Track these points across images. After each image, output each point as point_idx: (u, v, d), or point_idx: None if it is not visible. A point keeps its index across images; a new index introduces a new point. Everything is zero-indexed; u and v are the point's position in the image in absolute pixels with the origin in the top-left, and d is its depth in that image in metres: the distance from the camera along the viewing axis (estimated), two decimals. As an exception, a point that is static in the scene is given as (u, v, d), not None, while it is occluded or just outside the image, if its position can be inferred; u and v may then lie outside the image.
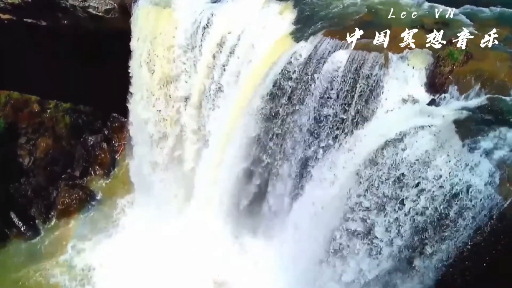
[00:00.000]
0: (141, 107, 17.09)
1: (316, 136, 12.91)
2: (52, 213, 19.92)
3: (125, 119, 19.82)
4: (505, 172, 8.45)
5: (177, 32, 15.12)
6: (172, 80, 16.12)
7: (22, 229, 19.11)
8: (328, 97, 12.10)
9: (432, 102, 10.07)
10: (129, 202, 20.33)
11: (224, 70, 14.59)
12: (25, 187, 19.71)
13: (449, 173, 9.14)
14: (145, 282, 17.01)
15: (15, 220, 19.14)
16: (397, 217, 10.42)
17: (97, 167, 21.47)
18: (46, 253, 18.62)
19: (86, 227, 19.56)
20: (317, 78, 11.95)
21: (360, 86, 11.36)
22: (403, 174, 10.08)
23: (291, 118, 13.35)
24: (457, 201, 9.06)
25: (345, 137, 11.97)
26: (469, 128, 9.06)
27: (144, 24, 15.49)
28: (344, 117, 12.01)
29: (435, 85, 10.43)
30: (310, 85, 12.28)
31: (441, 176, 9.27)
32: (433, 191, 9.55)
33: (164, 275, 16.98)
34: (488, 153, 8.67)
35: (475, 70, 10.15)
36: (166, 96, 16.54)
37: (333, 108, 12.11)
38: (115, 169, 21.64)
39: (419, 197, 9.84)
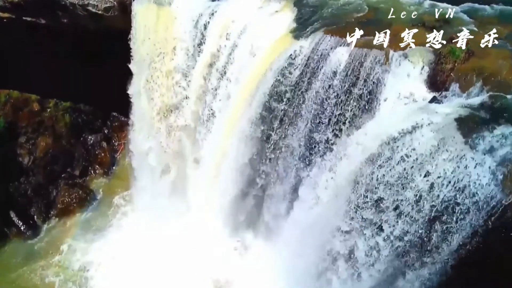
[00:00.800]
0: (142, 138, 16.99)
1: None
2: (52, 212, 19.85)
3: (125, 118, 19.76)
4: (508, 170, 8.39)
5: (176, 52, 14.86)
6: (173, 108, 15.85)
7: (22, 228, 19.03)
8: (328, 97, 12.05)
9: (433, 100, 10.01)
10: (129, 202, 20.26)
11: (216, 94, 14.43)
12: (25, 186, 19.63)
13: (451, 171, 9.09)
14: (144, 282, 16.92)
15: (15, 219, 19.04)
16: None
17: (97, 166, 21.43)
18: (44, 253, 18.50)
19: (85, 226, 19.47)
20: (318, 75, 11.90)
21: (360, 85, 11.28)
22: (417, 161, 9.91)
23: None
24: (460, 197, 9.02)
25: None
26: (471, 125, 9.01)
27: (144, 33, 15.22)
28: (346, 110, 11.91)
29: (437, 82, 10.37)
30: (312, 79, 12.20)
31: (444, 174, 9.20)
32: (436, 190, 9.48)
33: (163, 275, 16.92)
34: (490, 151, 8.62)
35: (476, 67, 10.11)
36: (167, 127, 16.37)
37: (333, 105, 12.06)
38: (115, 168, 21.60)
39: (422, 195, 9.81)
